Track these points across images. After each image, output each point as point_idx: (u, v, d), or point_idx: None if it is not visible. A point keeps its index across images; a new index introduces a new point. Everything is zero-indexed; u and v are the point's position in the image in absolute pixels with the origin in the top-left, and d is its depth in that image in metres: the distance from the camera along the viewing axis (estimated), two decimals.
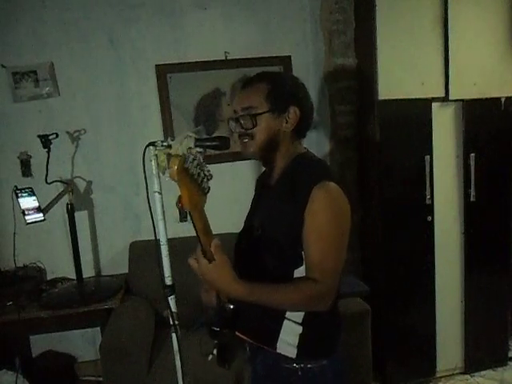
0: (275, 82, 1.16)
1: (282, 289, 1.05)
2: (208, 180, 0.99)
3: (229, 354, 1.15)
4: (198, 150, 1.02)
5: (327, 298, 1.07)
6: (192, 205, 0.94)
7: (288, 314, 1.13)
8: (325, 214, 1.05)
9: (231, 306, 1.08)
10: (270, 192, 1.21)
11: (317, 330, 1.15)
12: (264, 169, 1.29)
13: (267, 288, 1.05)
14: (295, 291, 1.05)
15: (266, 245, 1.14)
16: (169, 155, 1.16)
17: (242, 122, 1.14)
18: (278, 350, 1.14)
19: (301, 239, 1.07)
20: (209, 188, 0.99)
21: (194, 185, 0.94)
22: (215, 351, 1.13)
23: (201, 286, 1.23)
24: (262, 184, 1.32)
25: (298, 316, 1.13)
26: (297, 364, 1.13)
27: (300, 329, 1.13)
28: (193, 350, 1.81)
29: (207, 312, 1.24)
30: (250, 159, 2.15)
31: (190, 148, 0.98)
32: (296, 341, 1.13)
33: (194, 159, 0.93)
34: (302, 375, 1.13)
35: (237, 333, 1.13)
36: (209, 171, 0.98)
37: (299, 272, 1.11)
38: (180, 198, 0.93)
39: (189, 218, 0.97)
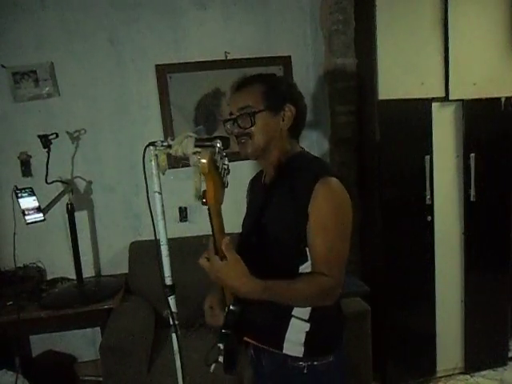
0: (269, 82, 1.18)
1: (294, 284, 1.05)
2: (227, 174, 0.95)
3: (234, 359, 1.14)
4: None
5: (336, 291, 1.08)
6: (216, 200, 0.91)
7: (295, 312, 1.13)
8: (328, 207, 1.06)
9: (237, 308, 1.06)
10: (268, 191, 1.21)
11: (323, 325, 1.15)
12: (258, 170, 1.29)
13: (280, 284, 1.03)
14: (307, 286, 1.05)
15: (270, 244, 1.14)
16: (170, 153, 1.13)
17: (240, 121, 1.14)
18: (285, 351, 1.14)
19: (305, 235, 1.07)
20: (228, 182, 0.96)
21: (219, 178, 0.91)
22: (221, 358, 1.10)
23: (207, 310, 1.22)
24: (257, 185, 1.32)
25: (305, 313, 1.13)
26: (303, 362, 1.13)
27: (307, 326, 1.13)
28: (193, 350, 1.82)
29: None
30: (248, 159, 2.13)
31: (212, 140, 0.92)
32: (303, 338, 1.13)
33: (219, 151, 0.90)
34: (308, 373, 1.13)
35: (245, 338, 1.12)
36: (228, 165, 0.95)
37: (303, 269, 1.11)
38: (205, 192, 0.89)
39: (207, 213, 0.93)
